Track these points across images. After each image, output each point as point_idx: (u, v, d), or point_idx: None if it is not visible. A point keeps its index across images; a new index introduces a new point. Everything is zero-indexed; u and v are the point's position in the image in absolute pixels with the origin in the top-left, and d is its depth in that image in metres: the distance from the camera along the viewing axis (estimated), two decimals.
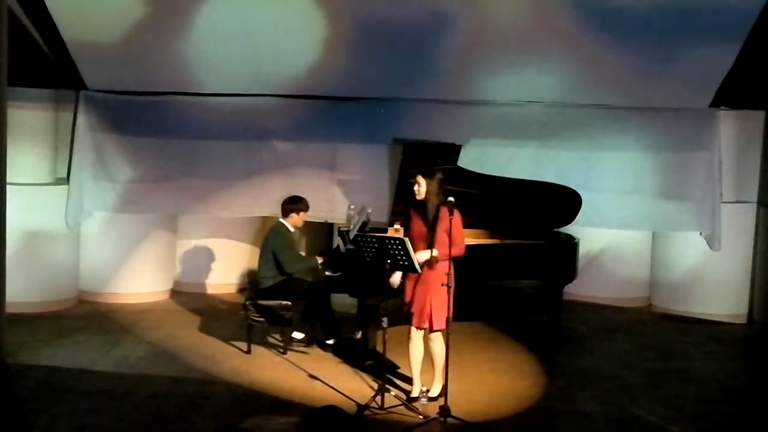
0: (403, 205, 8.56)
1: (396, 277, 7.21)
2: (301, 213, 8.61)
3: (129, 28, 9.33)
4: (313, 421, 4.26)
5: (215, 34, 9.38)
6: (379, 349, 7.46)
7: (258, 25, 9.28)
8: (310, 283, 8.70)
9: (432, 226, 7.06)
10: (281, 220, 8.61)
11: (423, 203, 7.13)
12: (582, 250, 9.78)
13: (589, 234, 10.22)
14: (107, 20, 9.30)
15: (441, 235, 7.01)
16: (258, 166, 10.00)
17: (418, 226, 7.15)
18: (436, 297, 7.00)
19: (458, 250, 7.03)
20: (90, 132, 9.86)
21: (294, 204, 8.60)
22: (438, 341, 7.13)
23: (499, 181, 8.97)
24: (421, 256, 7.01)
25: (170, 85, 9.76)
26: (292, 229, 8.58)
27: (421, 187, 7.11)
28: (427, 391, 7.32)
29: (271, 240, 8.49)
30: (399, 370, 7.84)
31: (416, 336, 7.21)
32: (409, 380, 7.65)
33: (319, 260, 8.53)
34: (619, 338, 9.48)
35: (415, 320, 7.15)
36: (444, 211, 6.94)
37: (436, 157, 8.44)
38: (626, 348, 9.12)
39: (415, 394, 7.29)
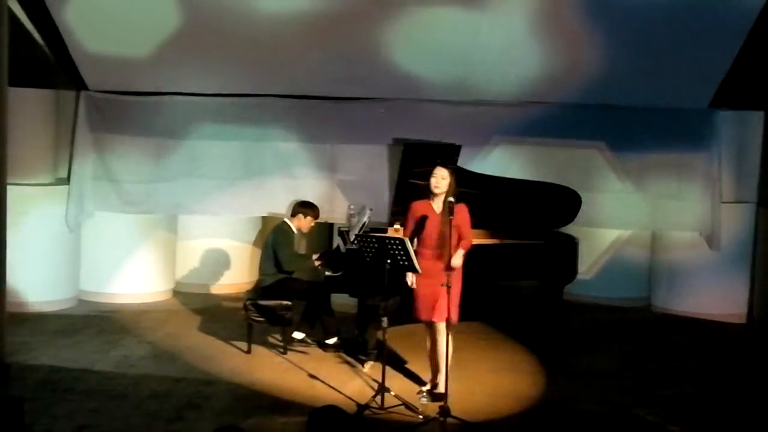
0: (403, 205, 8.58)
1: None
2: (309, 218, 8.62)
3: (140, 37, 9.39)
4: (314, 421, 4.27)
5: (217, 35, 9.40)
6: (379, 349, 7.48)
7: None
8: (310, 283, 8.71)
9: (450, 222, 7.02)
10: (286, 219, 8.63)
11: (441, 197, 7.09)
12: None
13: (590, 234, 10.22)
14: (120, 32, 9.33)
15: (461, 229, 7.09)
16: (258, 166, 10.01)
17: (435, 222, 7.09)
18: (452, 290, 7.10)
19: (469, 243, 7.15)
20: (90, 132, 9.87)
21: (304, 207, 8.63)
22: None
23: (499, 181, 8.97)
24: (457, 260, 7.05)
25: (170, 86, 9.78)
26: (295, 231, 8.60)
27: (444, 180, 7.09)
28: (427, 391, 7.31)
29: (273, 237, 8.52)
30: (404, 370, 7.85)
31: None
32: (413, 378, 7.68)
33: (317, 262, 8.53)
34: (619, 338, 9.48)
35: (436, 315, 7.13)
36: (458, 206, 7.03)
37: (436, 157, 8.43)
38: (626, 348, 9.12)
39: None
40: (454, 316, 7.08)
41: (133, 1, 9.20)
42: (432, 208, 7.18)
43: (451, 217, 6.94)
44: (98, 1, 9.23)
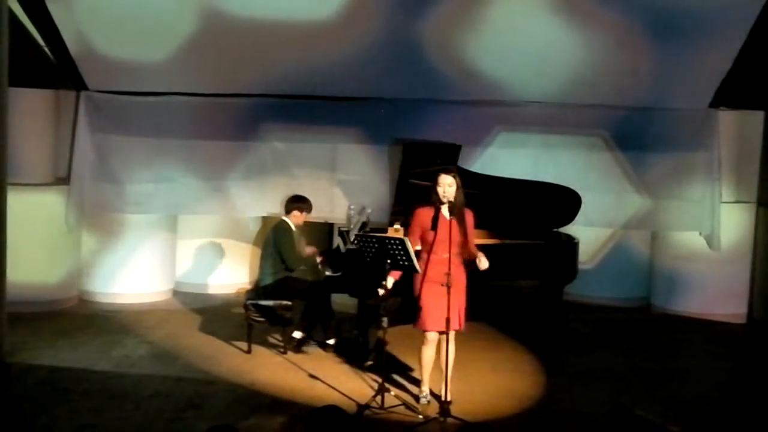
0: (403, 205, 8.58)
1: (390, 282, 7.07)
2: (304, 212, 8.64)
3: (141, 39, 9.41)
4: (314, 420, 4.27)
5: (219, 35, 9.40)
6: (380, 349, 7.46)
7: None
8: (310, 283, 8.71)
9: (464, 228, 6.97)
10: (284, 218, 8.64)
11: (452, 204, 6.92)
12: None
13: (590, 234, 10.22)
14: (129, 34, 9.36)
15: (467, 235, 7.03)
16: (258, 166, 10.01)
17: (445, 229, 6.86)
18: (463, 297, 7.07)
19: (475, 250, 7.07)
20: (90, 132, 9.86)
21: (296, 202, 8.64)
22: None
23: (499, 181, 8.97)
24: (484, 263, 6.96)
25: (170, 86, 9.77)
26: (294, 228, 8.61)
27: (451, 188, 6.90)
28: (438, 396, 7.24)
29: (274, 237, 8.53)
30: (403, 371, 7.85)
31: (435, 340, 7.07)
32: (413, 379, 7.67)
33: (318, 258, 8.55)
34: (619, 338, 9.48)
35: (452, 324, 6.90)
36: (467, 212, 7.01)
37: (436, 157, 8.43)
38: (626, 348, 9.12)
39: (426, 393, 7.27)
40: (461, 324, 7.05)
41: (134, 2, 9.20)
42: (441, 213, 6.96)
43: (457, 219, 6.88)
44: (99, 2, 9.23)
